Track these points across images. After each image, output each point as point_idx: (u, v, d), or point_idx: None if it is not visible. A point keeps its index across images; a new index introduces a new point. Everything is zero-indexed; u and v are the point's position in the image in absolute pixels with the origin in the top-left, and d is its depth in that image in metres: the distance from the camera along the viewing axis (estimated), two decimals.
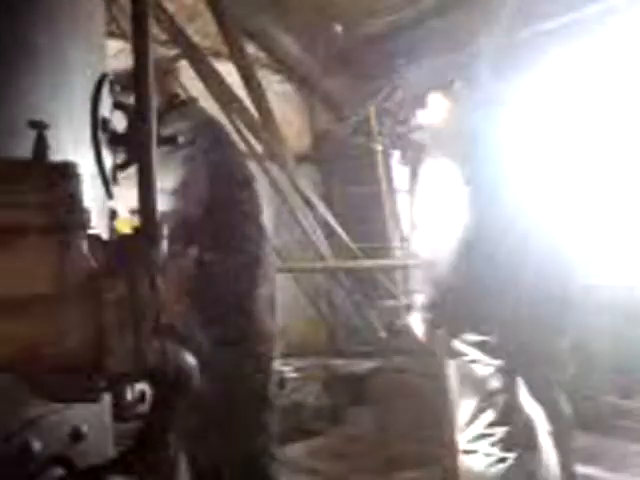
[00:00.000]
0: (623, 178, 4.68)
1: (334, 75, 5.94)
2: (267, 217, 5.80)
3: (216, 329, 2.21)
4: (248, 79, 4.59)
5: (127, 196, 1.21)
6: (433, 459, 3.30)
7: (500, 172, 2.44)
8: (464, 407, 2.45)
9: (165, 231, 1.06)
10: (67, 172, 0.92)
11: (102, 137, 1.18)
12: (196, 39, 4.77)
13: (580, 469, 3.48)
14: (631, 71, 4.44)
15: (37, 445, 0.95)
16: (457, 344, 2.47)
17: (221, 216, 2.28)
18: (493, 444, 2.40)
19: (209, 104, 4.61)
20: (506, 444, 2.40)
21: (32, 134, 0.91)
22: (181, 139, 1.44)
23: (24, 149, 0.93)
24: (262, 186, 5.11)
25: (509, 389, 2.49)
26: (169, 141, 1.47)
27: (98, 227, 1.04)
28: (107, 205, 1.25)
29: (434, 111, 2.72)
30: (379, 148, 6.26)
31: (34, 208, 0.88)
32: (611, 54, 4.39)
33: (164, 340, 0.97)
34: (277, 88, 6.00)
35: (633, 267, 4.31)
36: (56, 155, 0.95)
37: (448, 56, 3.39)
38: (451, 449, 2.53)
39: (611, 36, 4.25)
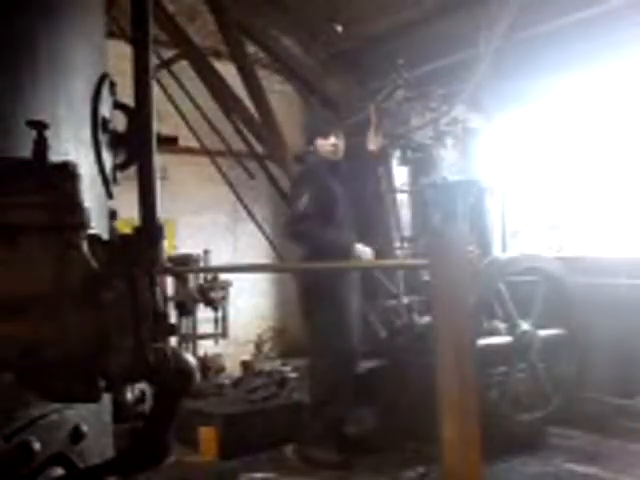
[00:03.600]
0: (624, 180, 4.68)
1: (334, 75, 5.94)
2: (267, 216, 5.74)
3: None
4: (248, 79, 4.58)
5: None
6: (434, 458, 3.30)
7: None
8: None
9: (165, 231, 1.06)
10: (67, 172, 0.92)
11: (102, 137, 1.18)
12: (196, 39, 4.76)
13: (580, 469, 3.47)
14: (631, 75, 4.44)
15: (37, 445, 0.95)
16: None
17: None
18: None
19: (209, 104, 4.59)
20: None
21: (32, 134, 0.91)
22: None
23: (24, 149, 0.93)
24: (262, 186, 5.11)
25: None
26: (169, 141, 1.47)
27: (98, 227, 1.04)
28: (107, 205, 1.25)
29: None
30: None
31: (34, 208, 0.88)
32: (612, 58, 4.39)
33: (164, 340, 0.97)
34: (277, 88, 5.99)
35: (633, 266, 4.30)
36: (56, 155, 0.95)
37: None
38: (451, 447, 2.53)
39: (612, 40, 4.25)
